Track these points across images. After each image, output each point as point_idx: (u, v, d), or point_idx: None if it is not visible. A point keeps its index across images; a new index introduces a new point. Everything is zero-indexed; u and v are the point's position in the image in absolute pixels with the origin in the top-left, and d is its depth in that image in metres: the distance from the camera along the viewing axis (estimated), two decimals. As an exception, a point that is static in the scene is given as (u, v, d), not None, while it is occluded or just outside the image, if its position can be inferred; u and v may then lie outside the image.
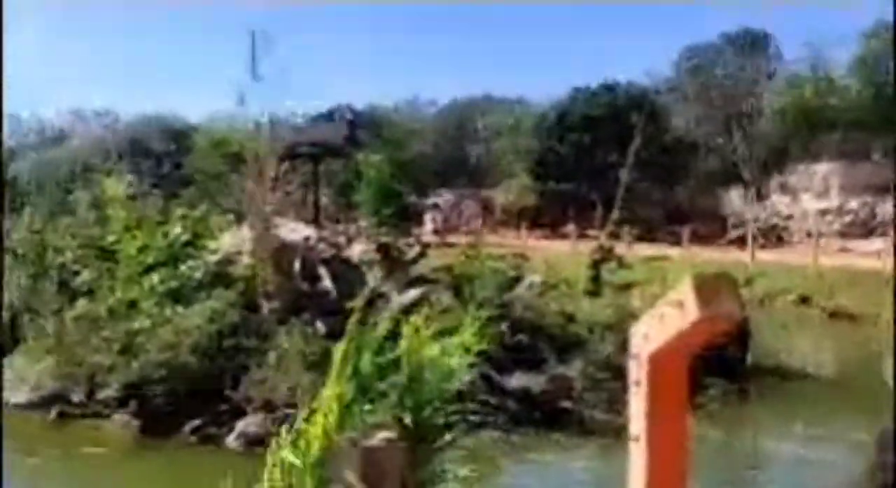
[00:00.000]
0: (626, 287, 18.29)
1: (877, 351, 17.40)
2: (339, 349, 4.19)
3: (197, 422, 9.98)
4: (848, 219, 31.19)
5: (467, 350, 5.04)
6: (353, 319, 4.28)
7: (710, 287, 2.62)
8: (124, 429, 10.21)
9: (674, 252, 27.74)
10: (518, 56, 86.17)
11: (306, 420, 3.93)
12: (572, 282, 18.99)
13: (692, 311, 2.52)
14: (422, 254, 17.18)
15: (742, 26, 40.44)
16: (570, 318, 13.56)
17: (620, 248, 26.08)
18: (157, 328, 11.06)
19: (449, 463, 4.51)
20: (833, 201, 32.03)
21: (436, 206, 38.70)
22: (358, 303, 4.30)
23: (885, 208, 29.94)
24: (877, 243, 27.77)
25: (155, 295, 12.05)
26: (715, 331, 2.39)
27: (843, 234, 30.18)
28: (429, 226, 33.02)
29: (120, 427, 10.28)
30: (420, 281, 14.18)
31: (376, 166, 16.87)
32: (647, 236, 31.43)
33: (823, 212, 31.64)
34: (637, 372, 2.86)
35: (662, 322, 2.72)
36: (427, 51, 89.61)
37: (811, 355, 17.36)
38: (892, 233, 27.08)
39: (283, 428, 3.93)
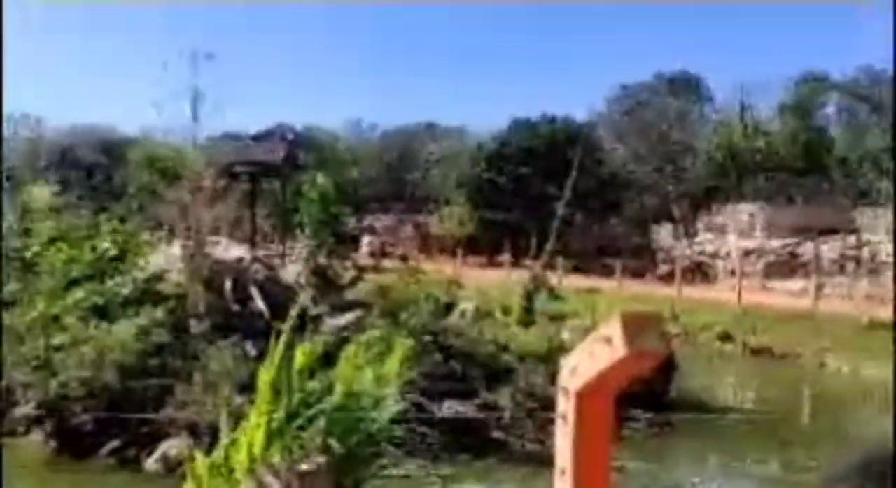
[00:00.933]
0: (559, 317, 18.55)
1: (795, 388, 18.06)
2: (264, 372, 4.14)
3: (116, 444, 9.65)
4: (770, 258, 32.39)
5: (397, 376, 5.05)
6: (281, 342, 4.24)
7: (637, 324, 2.72)
8: (39, 449, 9.79)
9: (605, 284, 28.31)
10: (462, 86, 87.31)
11: (231, 444, 3.86)
12: (506, 311, 19.15)
13: (620, 348, 2.62)
14: (357, 278, 17.09)
15: (677, 69, 42.03)
16: (503, 347, 13.65)
17: (554, 279, 26.46)
18: (80, 344, 10.69)
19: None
20: (757, 241, 33.25)
21: (373, 230, 38.61)
22: (286, 325, 4.25)
23: (805, 249, 31.22)
24: (798, 283, 28.91)
25: (79, 310, 11.65)
26: (641, 367, 2.48)
27: (766, 274, 31.31)
28: (365, 249, 32.89)
29: (35, 446, 9.86)
30: (355, 305, 14.11)
31: (321, 188, 16.73)
32: (580, 268, 32.00)
33: (747, 252, 32.80)
34: (564, 405, 2.94)
35: (591, 357, 2.81)
36: (373, 75, 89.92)
37: (732, 390, 17.88)
38: (812, 274, 28.22)
39: (201, 453, 3.85)
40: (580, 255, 35.65)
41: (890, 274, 26.22)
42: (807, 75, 38.89)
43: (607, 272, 30.62)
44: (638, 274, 32.14)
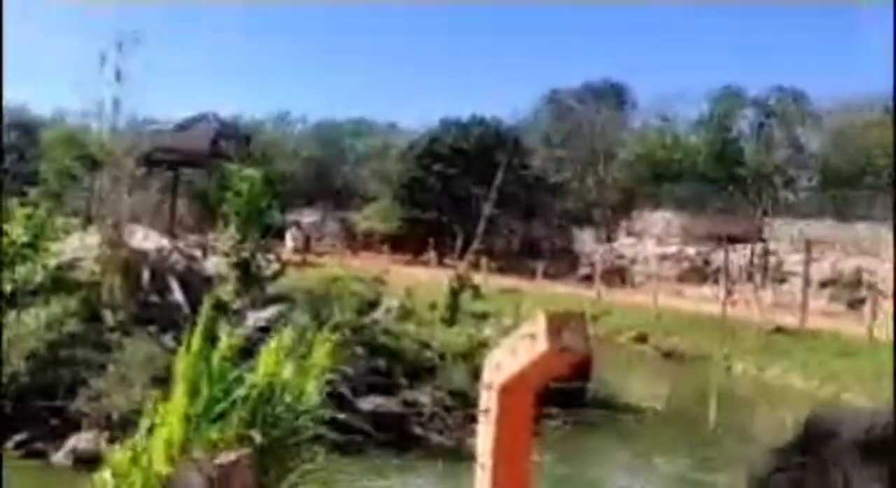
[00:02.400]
0: (481, 316, 18.77)
1: (704, 389, 18.82)
2: (180, 361, 4.10)
3: (23, 436, 9.30)
4: (685, 265, 33.60)
5: (319, 370, 5.07)
6: (197, 333, 4.21)
7: (560, 322, 2.85)
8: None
9: (527, 285, 28.79)
10: (394, 82, 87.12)
11: (148, 435, 3.82)
12: (430, 309, 19.26)
13: (542, 344, 2.74)
14: (280, 272, 16.89)
15: (603, 77, 43.07)
16: (426, 345, 13.76)
17: (477, 278, 26.74)
18: (-15, 334, 10.23)
19: (298, 485, 4.50)
20: (672, 247, 34.43)
21: (297, 225, 38.15)
22: (202, 314, 4.20)
23: (718, 257, 32.50)
24: (709, 289, 30.08)
25: (-15, 298, 11.14)
26: (563, 363, 2.61)
27: (680, 279, 32.46)
28: (289, 244, 32.47)
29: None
30: (277, 299, 13.96)
31: (249, 180, 16.41)
32: (503, 268, 32.46)
33: (663, 257, 33.93)
34: (487, 400, 3.04)
35: (514, 353, 2.92)
36: (302, 67, 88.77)
37: (644, 390, 18.50)
38: (722, 281, 29.40)
39: (117, 445, 3.79)
40: (504, 256, 36.18)
41: (794, 282, 27.56)
42: (724, 90, 40.51)
43: (529, 273, 31.17)
44: (559, 276, 32.83)
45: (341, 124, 51.00)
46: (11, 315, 10.71)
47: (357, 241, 40.62)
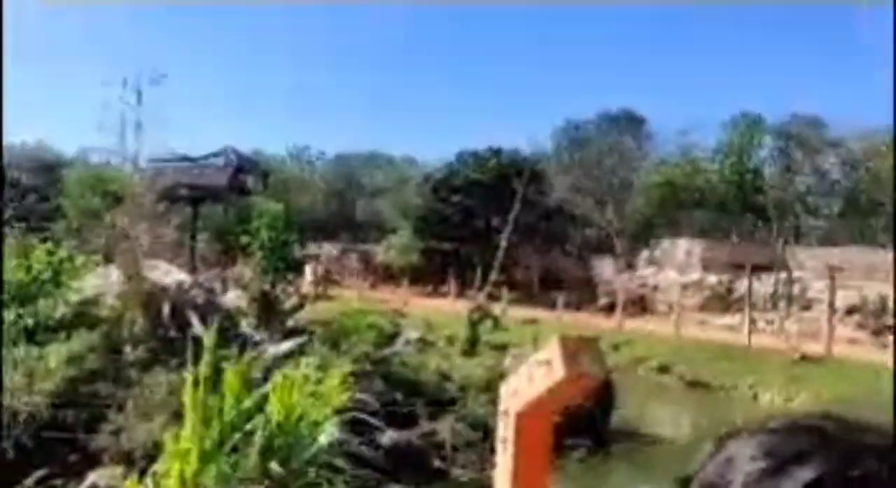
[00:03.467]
0: (501, 347, 18.64)
1: (728, 419, 18.46)
2: (190, 394, 4.06)
3: (43, 472, 9.27)
4: (707, 293, 33.22)
5: (335, 402, 5.01)
6: (204, 365, 4.17)
7: (575, 347, 2.80)
8: (-42, 479, 9.33)
9: (547, 315, 28.59)
10: (409, 115, 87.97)
11: (163, 470, 3.78)
12: (449, 341, 19.17)
13: (558, 370, 2.68)
14: (300, 305, 16.91)
15: (621, 107, 43.16)
16: (445, 377, 13.65)
17: (497, 310, 26.62)
18: (6, 370, 10.28)
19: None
20: (694, 276, 34.09)
21: (317, 258, 38.29)
22: (209, 344, 4.16)
23: (741, 285, 32.13)
24: (732, 318, 29.68)
25: (8, 333, 11.23)
26: (579, 389, 2.56)
27: (702, 308, 32.08)
28: (308, 277, 32.55)
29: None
30: (296, 332, 13.94)
31: (272, 213, 16.54)
32: (522, 299, 32.29)
33: (685, 286, 33.59)
34: (504, 429, 2.98)
35: (530, 379, 2.87)
36: (319, 103, 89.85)
37: (668, 421, 18.18)
38: (746, 309, 29.02)
39: (132, 481, 3.74)
40: (523, 287, 36.01)
41: (820, 310, 27.13)
42: (742, 118, 40.42)
43: (549, 303, 30.95)
44: (579, 306, 32.57)
45: (359, 158, 51.42)
46: (34, 351, 10.77)
47: (376, 274, 40.64)
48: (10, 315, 11.62)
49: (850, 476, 0.50)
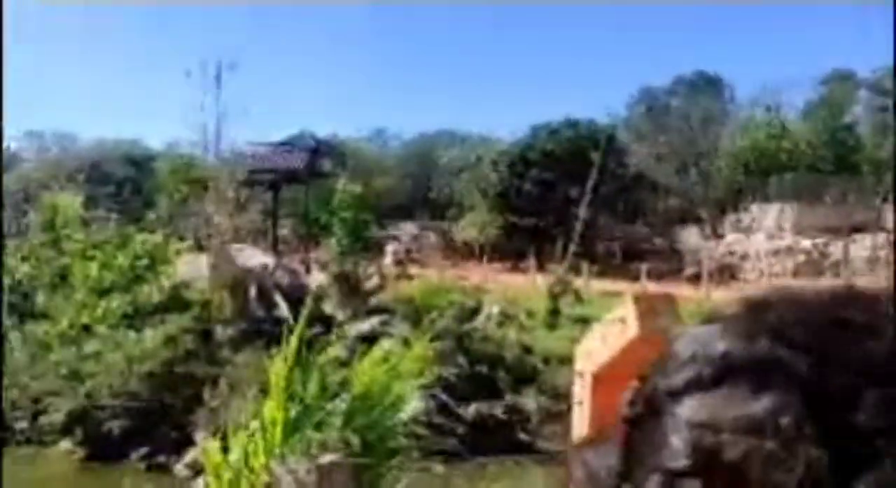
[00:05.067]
0: (583, 320, 18.43)
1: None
2: (278, 367, 4.15)
3: (145, 450, 9.76)
4: (800, 258, 31.94)
5: (420, 373, 5.05)
6: (293, 342, 4.25)
7: (650, 306, 2.70)
8: (68, 457, 9.92)
9: (630, 287, 28.06)
10: (482, 91, 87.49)
11: (249, 440, 3.89)
12: (530, 315, 19.07)
13: (633, 328, 2.60)
14: (381, 285, 17.15)
15: (696, 69, 41.71)
16: (528, 350, 13.62)
17: (578, 283, 26.30)
18: (108, 353, 10.83)
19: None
20: (785, 241, 32.81)
21: (396, 238, 38.72)
22: (301, 321, 4.25)
23: (836, 249, 30.76)
24: (828, 283, 28.43)
25: (109, 319, 11.82)
26: (655, 349, 2.46)
27: (795, 274, 30.87)
28: (390, 257, 32.95)
29: (64, 454, 9.99)
30: (379, 311, 14.15)
31: (352, 195, 16.80)
32: (605, 272, 31.79)
33: (776, 252, 32.36)
34: (580, 391, 2.91)
35: (604, 340, 2.79)
36: (393, 84, 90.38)
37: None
38: (841, 274, 27.79)
39: (214, 446, 3.86)
40: (605, 259, 35.44)
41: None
42: (833, 73, 38.44)
43: (633, 275, 30.37)
44: (665, 276, 31.84)
45: (434, 137, 51.51)
46: (131, 335, 11.30)
47: (456, 252, 40.77)
48: (110, 302, 12.22)
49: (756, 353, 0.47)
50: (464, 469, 9.47)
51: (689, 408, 0.49)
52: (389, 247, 33.67)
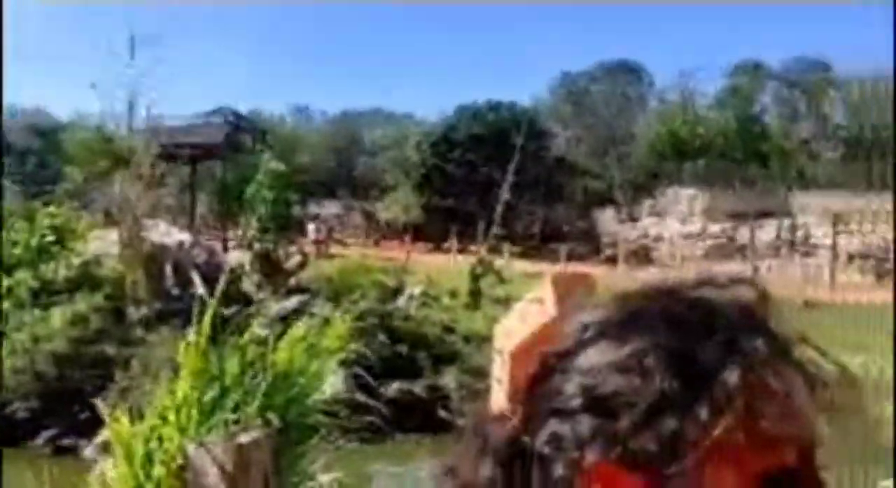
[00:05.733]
0: (504, 301, 18.69)
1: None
2: (188, 349, 4.06)
3: (53, 432, 9.41)
4: (710, 242, 33.20)
5: (341, 351, 5.03)
6: (207, 319, 4.17)
7: (567, 286, 2.77)
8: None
9: (550, 268, 28.55)
10: (408, 71, 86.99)
11: (163, 421, 3.81)
12: (453, 295, 19.22)
13: (551, 308, 2.66)
14: (302, 264, 16.95)
15: (617, 56, 42.58)
16: (450, 330, 13.75)
17: (500, 264, 26.63)
18: (13, 332, 10.37)
19: (318, 467, 4.48)
20: (697, 225, 34.03)
21: (319, 216, 38.29)
22: (213, 300, 4.18)
23: (743, 233, 32.09)
24: (736, 266, 29.69)
25: (13, 297, 11.29)
26: (572, 327, 2.52)
27: (706, 256, 32.08)
28: (311, 235, 32.57)
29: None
30: (300, 290, 14.01)
31: (273, 172, 16.42)
32: (526, 253, 32.31)
33: (687, 236, 33.55)
34: (499, 369, 2.98)
35: (523, 319, 2.85)
36: (317, 61, 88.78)
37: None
38: (749, 259, 29.06)
39: (124, 427, 3.76)
40: (526, 240, 36.00)
41: (822, 255, 27.13)
42: (744, 64, 39.87)
43: (553, 256, 30.98)
44: (583, 258, 32.59)
45: (358, 115, 50.98)
46: (36, 313, 10.84)
47: (379, 231, 40.65)
48: (14, 279, 11.67)
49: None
50: (384, 446, 9.52)
51: (577, 362, 0.61)
52: (311, 226, 33.27)
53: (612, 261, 31.73)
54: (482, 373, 11.85)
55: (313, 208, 39.32)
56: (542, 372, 0.63)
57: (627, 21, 76.66)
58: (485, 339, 13.02)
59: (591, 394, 0.59)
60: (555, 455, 0.59)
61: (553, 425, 0.60)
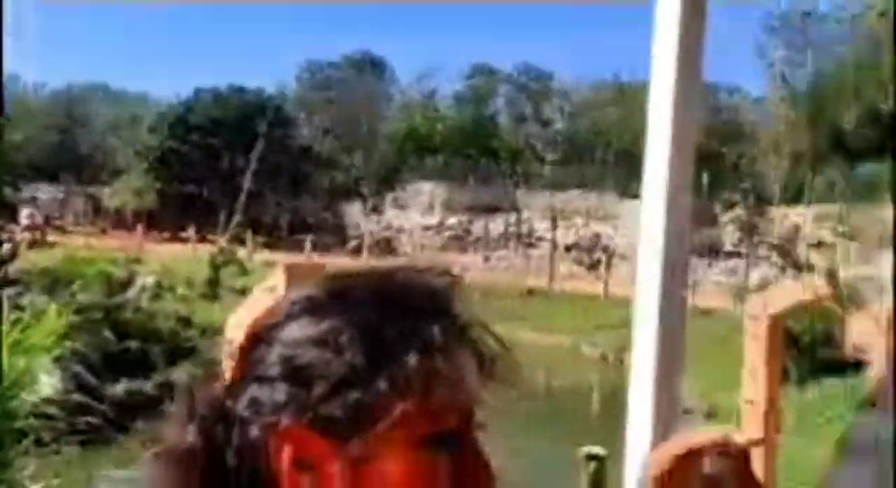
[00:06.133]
0: (245, 292, 18.25)
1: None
2: None
3: None
4: (447, 234, 35.07)
5: (53, 348, 4.60)
6: None
7: (301, 274, 2.80)
8: None
9: (295, 259, 28.38)
10: (142, 48, 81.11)
11: None
12: (190, 286, 18.37)
13: (281, 295, 2.66)
14: (13, 254, 15.19)
15: (362, 50, 43.28)
16: (186, 322, 13.15)
17: (243, 254, 25.94)
18: None
19: (27, 475, 4.06)
20: (436, 218, 35.76)
21: (34, 201, 34.43)
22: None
23: (478, 226, 34.31)
24: (470, 257, 31.68)
25: None
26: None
27: (444, 248, 33.85)
28: (24, 222, 29.15)
29: None
30: (11, 282, 12.54)
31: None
32: (271, 243, 31.76)
33: (427, 228, 35.14)
34: (228, 359, 2.93)
35: (253, 306, 2.83)
36: (46, 30, 79.45)
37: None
38: (482, 250, 31.16)
39: None
40: (272, 230, 35.37)
41: (544, 247, 29.89)
42: (480, 67, 42.64)
43: (298, 247, 30.78)
44: (328, 249, 32.77)
45: (85, 91, 46.51)
46: None
47: (107, 219, 37.51)
48: None
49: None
50: (108, 450, 8.84)
51: (281, 334, 0.68)
52: (25, 212, 29.80)
53: (357, 251, 32.28)
54: (218, 366, 11.45)
55: (28, 192, 35.26)
56: (250, 341, 0.69)
57: (372, 21, 78.14)
58: (222, 331, 12.61)
59: (290, 365, 0.65)
60: (253, 418, 0.66)
61: (253, 390, 0.66)
